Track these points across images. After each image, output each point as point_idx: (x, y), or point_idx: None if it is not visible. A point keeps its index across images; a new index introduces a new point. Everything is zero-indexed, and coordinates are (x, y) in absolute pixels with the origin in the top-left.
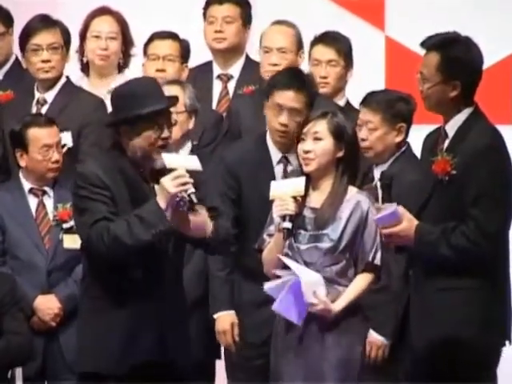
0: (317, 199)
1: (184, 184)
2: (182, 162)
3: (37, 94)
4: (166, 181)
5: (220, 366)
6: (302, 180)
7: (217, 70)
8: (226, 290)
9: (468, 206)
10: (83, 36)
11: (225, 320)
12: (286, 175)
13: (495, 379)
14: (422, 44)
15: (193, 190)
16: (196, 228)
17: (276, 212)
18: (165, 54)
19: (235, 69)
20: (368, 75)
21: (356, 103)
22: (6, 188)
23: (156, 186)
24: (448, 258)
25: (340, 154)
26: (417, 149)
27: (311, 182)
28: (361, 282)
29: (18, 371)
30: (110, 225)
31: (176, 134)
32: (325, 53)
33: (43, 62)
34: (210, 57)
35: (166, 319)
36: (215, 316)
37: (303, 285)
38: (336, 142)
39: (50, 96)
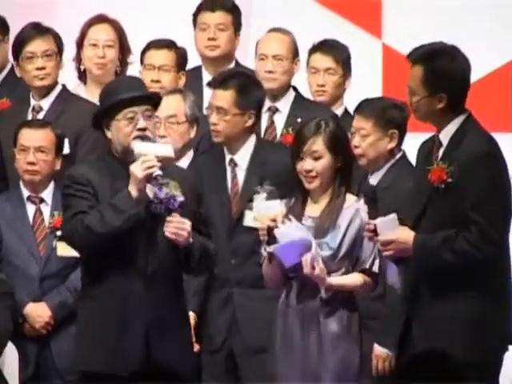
0: (316, 208)
1: (150, 167)
2: (152, 148)
3: (32, 102)
4: (134, 167)
5: None
6: (277, 204)
7: (206, 76)
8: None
9: (468, 212)
10: (80, 44)
11: None
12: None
13: None
14: (408, 56)
15: (159, 172)
16: (175, 233)
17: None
18: (160, 64)
19: None
20: (365, 83)
21: None
22: (6, 197)
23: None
24: (451, 263)
25: (338, 165)
26: (413, 157)
27: (310, 193)
28: (357, 276)
29: (13, 378)
30: (84, 217)
31: (177, 144)
32: (323, 61)
33: (38, 69)
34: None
35: (154, 321)
36: None
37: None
38: (334, 157)
39: (46, 103)
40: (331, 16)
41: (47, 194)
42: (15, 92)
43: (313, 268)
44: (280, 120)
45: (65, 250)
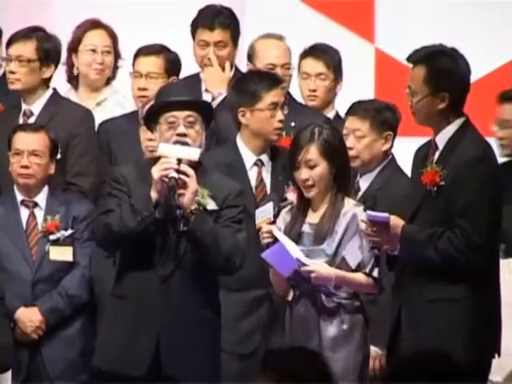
0: (315, 214)
1: (166, 169)
2: (175, 151)
3: (24, 106)
4: (154, 168)
5: None
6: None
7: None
8: None
9: (455, 216)
10: (74, 49)
11: None
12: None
13: None
14: (408, 58)
15: (174, 174)
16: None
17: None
18: (147, 71)
19: None
20: (358, 87)
21: None
22: (1, 202)
23: None
24: (433, 261)
25: (335, 171)
26: (406, 161)
27: (311, 200)
28: (361, 275)
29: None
30: (108, 215)
31: None
32: (314, 66)
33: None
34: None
35: (166, 327)
36: None
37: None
38: (330, 163)
39: (36, 108)
40: (324, 21)
41: (41, 198)
42: (6, 96)
43: (309, 278)
44: None
45: (58, 254)
